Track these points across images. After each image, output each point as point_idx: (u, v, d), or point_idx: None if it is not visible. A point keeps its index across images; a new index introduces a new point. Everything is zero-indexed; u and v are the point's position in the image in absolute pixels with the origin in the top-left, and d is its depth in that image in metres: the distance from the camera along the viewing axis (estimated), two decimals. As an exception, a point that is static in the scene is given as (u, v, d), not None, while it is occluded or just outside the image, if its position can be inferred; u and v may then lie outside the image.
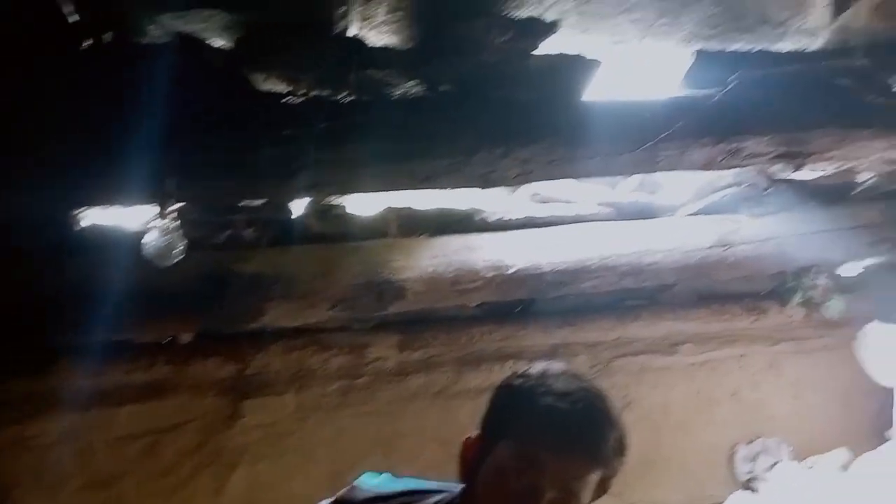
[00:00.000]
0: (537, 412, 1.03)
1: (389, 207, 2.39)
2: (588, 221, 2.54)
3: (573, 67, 1.87)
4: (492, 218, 2.52)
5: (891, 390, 2.94)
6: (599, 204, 2.55)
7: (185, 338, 2.47)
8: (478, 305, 2.69)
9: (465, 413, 2.84)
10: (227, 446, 2.70)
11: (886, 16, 1.93)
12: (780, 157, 1.97)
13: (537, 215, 2.54)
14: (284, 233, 2.26)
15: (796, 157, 1.97)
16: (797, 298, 3.11)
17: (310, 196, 2.09)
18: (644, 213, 2.55)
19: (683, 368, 3.11)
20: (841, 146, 2.02)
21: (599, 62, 1.88)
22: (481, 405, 1.15)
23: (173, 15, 1.62)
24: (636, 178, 2.50)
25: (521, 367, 1.13)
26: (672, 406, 3.08)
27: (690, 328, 3.11)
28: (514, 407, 1.07)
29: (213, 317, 2.26)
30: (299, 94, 1.74)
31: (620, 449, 1.08)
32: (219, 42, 1.71)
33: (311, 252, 2.26)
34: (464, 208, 2.50)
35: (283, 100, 1.76)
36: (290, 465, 2.72)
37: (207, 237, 2.16)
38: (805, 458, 3.01)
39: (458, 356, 2.86)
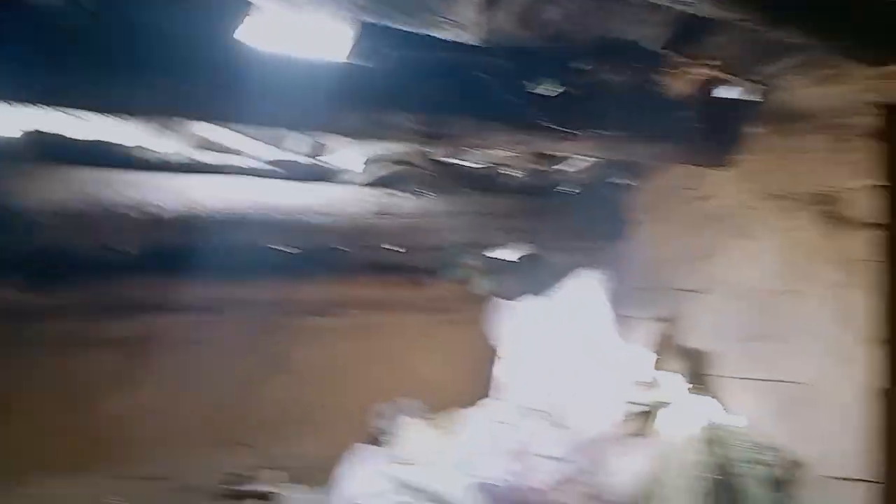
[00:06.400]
0: None
1: (32, 131, 2.12)
2: (256, 176, 2.52)
3: (227, 7, 1.82)
4: (151, 157, 2.38)
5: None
6: (269, 161, 2.54)
7: None
8: (133, 251, 2.53)
9: (102, 362, 2.69)
10: None
11: (525, 24, 2.17)
12: (422, 136, 2.13)
13: (202, 161, 2.46)
14: None
15: (435, 137, 2.15)
16: (452, 274, 3.43)
17: None
18: (312, 176, 2.60)
19: (341, 330, 3.26)
20: (476, 134, 2.24)
21: (255, 5, 1.84)
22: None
23: None
24: (307, 141, 2.53)
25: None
26: (325, 365, 3.21)
27: (354, 293, 3.26)
28: None
29: None
30: None
31: None
32: None
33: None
34: (121, 143, 2.32)
35: None
36: None
37: None
38: (438, 415, 3.34)
39: (101, 303, 2.67)
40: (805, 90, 2.62)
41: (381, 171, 2.64)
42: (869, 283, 2.51)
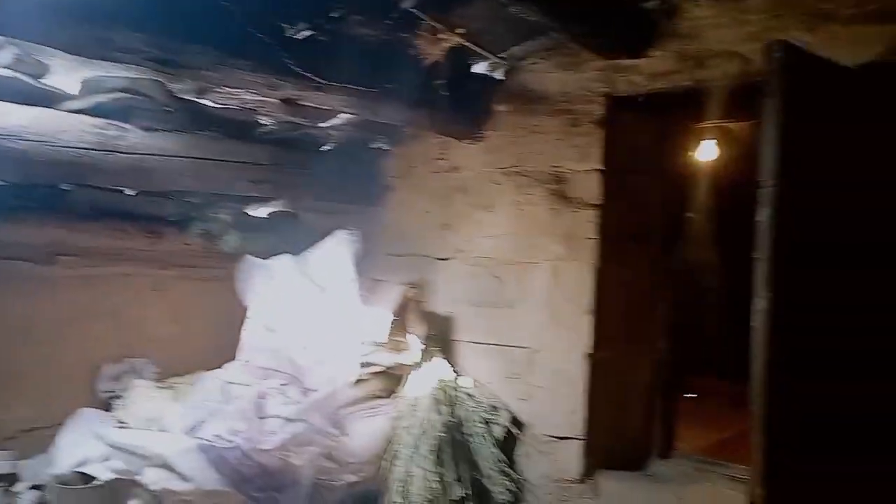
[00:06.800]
0: None
1: None
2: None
3: None
4: None
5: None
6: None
7: None
8: None
9: None
10: None
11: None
12: (153, 61, 1.93)
13: None
14: None
15: (170, 65, 1.95)
16: (197, 228, 3.20)
17: None
18: (18, 97, 2.23)
19: (63, 281, 2.89)
20: (217, 69, 2.08)
21: None
22: None
23: None
24: (11, 54, 2.17)
25: None
26: (43, 319, 2.84)
27: (79, 240, 2.91)
28: None
29: None
30: None
31: None
32: None
33: None
34: None
35: None
36: None
37: None
38: (174, 377, 3.11)
39: None
40: (545, 74, 2.80)
41: (104, 98, 2.33)
42: (585, 258, 2.76)
